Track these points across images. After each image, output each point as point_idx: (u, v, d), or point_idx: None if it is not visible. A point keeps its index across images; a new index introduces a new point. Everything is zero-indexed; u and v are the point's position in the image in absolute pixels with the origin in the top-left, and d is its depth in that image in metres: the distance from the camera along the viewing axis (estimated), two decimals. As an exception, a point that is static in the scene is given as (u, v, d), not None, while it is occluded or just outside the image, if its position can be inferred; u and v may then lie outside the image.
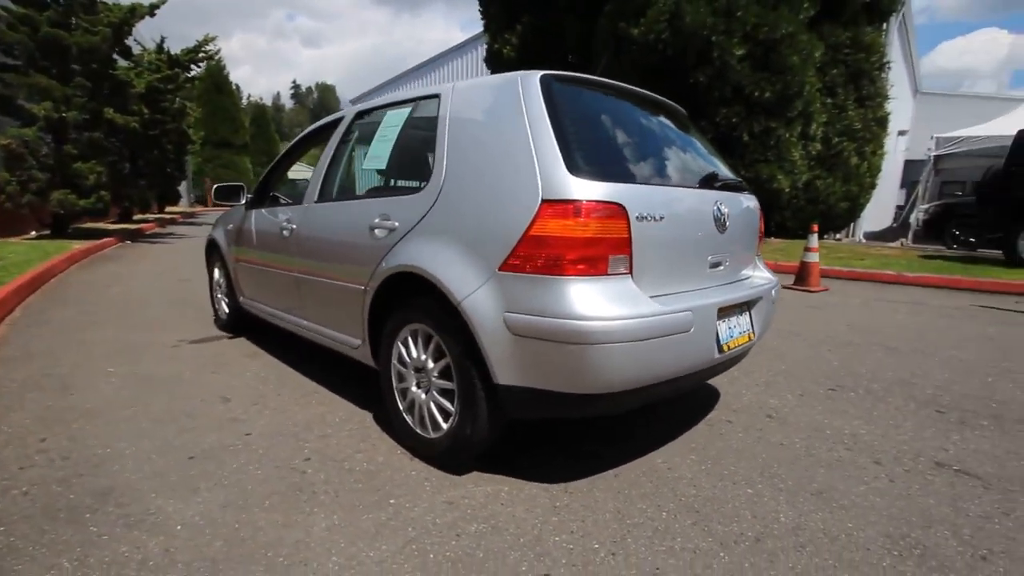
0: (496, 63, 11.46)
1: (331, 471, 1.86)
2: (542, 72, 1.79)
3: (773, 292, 2.22)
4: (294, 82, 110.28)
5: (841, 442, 2.16)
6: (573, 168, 1.57)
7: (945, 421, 2.40)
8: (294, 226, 2.64)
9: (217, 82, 26.78)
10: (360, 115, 2.54)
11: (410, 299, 1.94)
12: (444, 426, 1.85)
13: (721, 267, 1.99)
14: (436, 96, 2.06)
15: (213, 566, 1.36)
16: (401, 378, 2.03)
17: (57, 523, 1.53)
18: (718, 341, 1.81)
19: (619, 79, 8.07)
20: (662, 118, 2.19)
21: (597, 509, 1.66)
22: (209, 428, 2.19)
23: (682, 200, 1.81)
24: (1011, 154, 6.66)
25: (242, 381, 2.77)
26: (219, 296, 3.83)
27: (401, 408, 2.04)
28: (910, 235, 13.33)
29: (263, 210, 3.12)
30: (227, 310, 3.71)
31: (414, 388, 1.96)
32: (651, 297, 1.63)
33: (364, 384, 2.69)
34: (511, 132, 1.70)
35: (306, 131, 2.98)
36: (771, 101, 8.14)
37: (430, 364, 1.87)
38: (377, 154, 2.24)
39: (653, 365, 1.59)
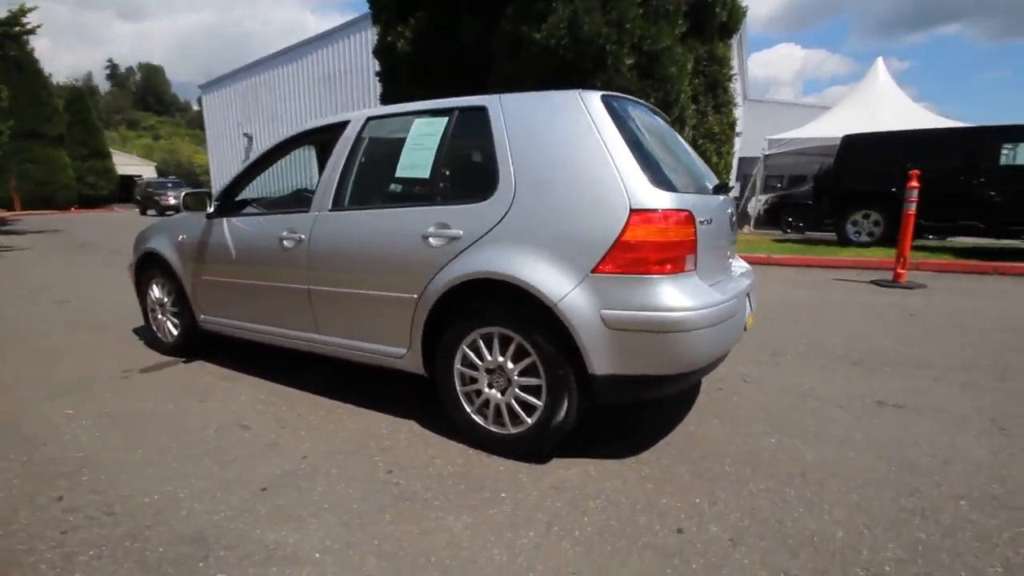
0: (388, 56, 11.16)
1: (423, 479, 1.89)
2: (600, 92, 2.00)
3: (756, 278, 2.68)
4: (110, 61, 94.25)
5: (808, 395, 2.70)
6: (652, 180, 1.81)
7: (862, 371, 3.08)
8: (301, 236, 2.51)
9: (18, 59, 22.03)
10: (371, 120, 2.50)
11: (480, 304, 2.02)
12: (528, 420, 1.98)
13: (730, 259, 2.38)
14: (481, 108, 2.15)
15: (387, 581, 1.37)
16: (467, 381, 2.11)
17: (172, 576, 1.40)
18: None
19: (518, 80, 8.50)
20: (672, 131, 2.51)
21: (674, 472, 1.94)
22: (255, 457, 2.05)
23: (716, 206, 2.15)
24: (839, 155, 8.33)
25: (243, 406, 2.56)
26: (160, 317, 3.40)
27: (469, 410, 2.12)
28: (752, 221, 15.75)
29: (237, 220, 2.88)
30: (175, 332, 3.32)
31: (487, 389, 2.06)
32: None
33: (381, 394, 2.67)
34: (587, 147, 1.88)
35: (294, 134, 2.81)
36: (655, 106, 9.11)
37: (510, 365, 1.99)
38: (415, 163, 2.25)
39: (718, 345, 1.90)
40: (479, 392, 2.09)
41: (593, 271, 1.80)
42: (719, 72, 11.70)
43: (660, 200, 1.79)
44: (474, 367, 2.08)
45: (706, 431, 2.29)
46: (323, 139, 2.69)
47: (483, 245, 1.98)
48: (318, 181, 2.56)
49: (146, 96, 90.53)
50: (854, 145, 8.17)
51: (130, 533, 1.58)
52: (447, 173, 2.23)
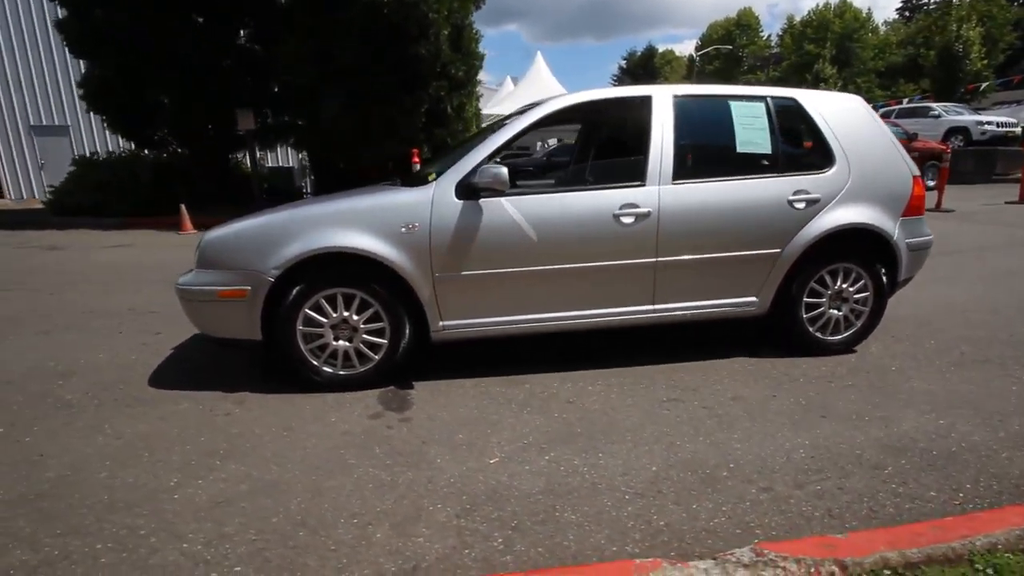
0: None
1: (852, 378, 2.59)
2: (860, 96, 2.95)
3: None
4: None
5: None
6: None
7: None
8: (648, 209, 2.53)
9: None
10: (677, 98, 2.69)
11: (829, 249, 2.74)
12: (857, 323, 2.89)
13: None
14: (791, 99, 2.79)
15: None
16: (811, 308, 2.82)
17: None
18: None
19: (334, 41, 8.61)
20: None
21: (915, 342, 3.20)
22: (787, 417, 2.28)
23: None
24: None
25: (613, 397, 2.48)
26: (336, 343, 2.47)
27: (811, 329, 2.85)
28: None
29: (523, 199, 2.50)
30: (377, 356, 2.52)
31: (831, 311, 2.84)
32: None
33: (647, 350, 2.98)
34: (877, 134, 2.84)
35: (573, 103, 2.63)
36: (462, 79, 9.66)
37: (850, 288, 2.82)
38: (752, 140, 2.70)
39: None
40: (822, 315, 2.84)
41: (901, 216, 2.83)
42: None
43: (917, 169, 2.94)
44: (821, 296, 2.81)
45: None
46: (634, 113, 2.69)
47: (836, 205, 2.72)
48: (647, 153, 2.59)
49: None
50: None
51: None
52: (784, 149, 2.75)
